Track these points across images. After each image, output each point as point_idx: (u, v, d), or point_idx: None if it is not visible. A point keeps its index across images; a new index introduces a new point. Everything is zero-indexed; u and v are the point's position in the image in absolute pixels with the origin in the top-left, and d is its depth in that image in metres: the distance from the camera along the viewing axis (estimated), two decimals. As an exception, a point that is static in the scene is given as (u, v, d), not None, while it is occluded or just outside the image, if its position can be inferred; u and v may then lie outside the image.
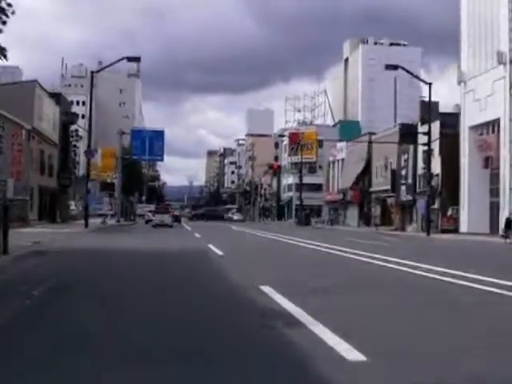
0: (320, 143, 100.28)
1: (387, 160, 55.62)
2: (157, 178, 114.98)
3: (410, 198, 48.19)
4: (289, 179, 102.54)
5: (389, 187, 53.58)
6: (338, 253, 17.75)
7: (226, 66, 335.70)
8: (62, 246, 20.17)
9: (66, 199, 47.22)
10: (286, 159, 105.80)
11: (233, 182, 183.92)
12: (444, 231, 42.26)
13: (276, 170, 69.02)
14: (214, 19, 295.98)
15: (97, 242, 23.20)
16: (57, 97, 47.21)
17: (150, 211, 53.44)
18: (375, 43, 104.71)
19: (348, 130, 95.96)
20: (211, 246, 19.97)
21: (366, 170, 60.91)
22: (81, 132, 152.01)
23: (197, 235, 31.12)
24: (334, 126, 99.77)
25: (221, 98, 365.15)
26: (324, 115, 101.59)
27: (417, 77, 36.98)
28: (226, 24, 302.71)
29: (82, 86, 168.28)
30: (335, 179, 72.47)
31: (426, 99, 50.22)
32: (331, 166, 74.41)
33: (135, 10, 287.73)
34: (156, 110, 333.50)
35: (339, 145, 71.84)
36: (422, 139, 40.21)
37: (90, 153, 34.98)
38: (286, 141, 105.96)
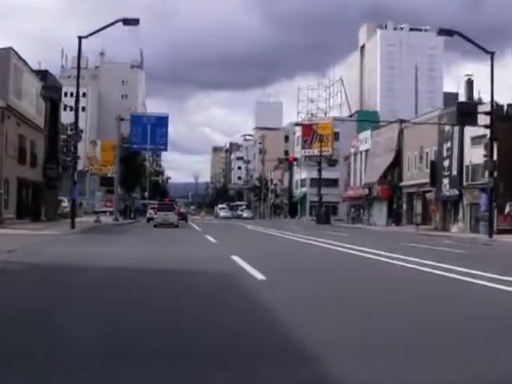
0: (336, 135, 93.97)
1: (423, 150, 48.74)
2: (160, 172, 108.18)
3: (455, 192, 41.29)
4: (302, 174, 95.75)
5: (424, 180, 46.76)
6: (445, 274, 10.91)
7: (229, 62, 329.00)
8: (19, 259, 13.44)
9: (53, 194, 40.40)
10: (298, 153, 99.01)
11: (239, 178, 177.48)
12: (500, 231, 35.43)
13: (292, 163, 62.19)
14: (217, 15, 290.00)
15: (74, 251, 16.42)
16: (42, 74, 40.44)
17: (152, 208, 46.66)
18: (394, 28, 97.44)
19: (367, 119, 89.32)
20: (238, 260, 13.27)
21: (396, 162, 54.01)
22: (81, 125, 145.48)
23: (210, 239, 24.41)
24: (350, 116, 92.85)
25: (225, 95, 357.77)
26: (340, 105, 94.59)
27: (477, 44, 30.14)
28: (230, 20, 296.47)
29: (83, 77, 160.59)
30: (357, 173, 65.56)
31: (472, 78, 43.52)
32: (352, 158, 67.48)
33: (140, 7, 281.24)
34: (160, 106, 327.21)
35: (362, 135, 64.91)
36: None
37: (75, 136, 28.24)
38: (298, 133, 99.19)
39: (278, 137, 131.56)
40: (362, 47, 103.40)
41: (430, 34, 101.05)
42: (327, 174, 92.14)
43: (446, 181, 42.87)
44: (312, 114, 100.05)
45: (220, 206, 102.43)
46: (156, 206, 41.03)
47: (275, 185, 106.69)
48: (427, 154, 47.89)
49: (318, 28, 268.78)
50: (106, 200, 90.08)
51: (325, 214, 60.29)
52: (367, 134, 63.01)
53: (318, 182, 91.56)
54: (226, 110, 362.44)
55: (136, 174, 52.85)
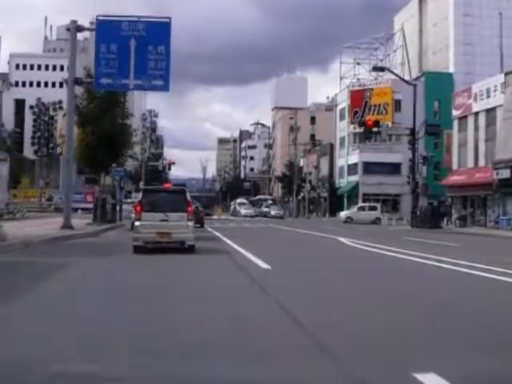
0: (397, 104, 70.07)
1: None
2: (160, 156, 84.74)
3: None
4: (350, 158, 71.92)
5: None
6: None
7: (229, 57, 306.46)
8: None
9: None
10: (343, 130, 75.15)
11: (252, 170, 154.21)
12: None
13: (370, 128, 37.88)
14: (217, 9, 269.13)
15: None
16: None
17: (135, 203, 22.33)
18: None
19: (437, 84, 65.79)
20: None
21: None
22: (65, 105, 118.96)
23: None
24: (415, 79, 68.86)
25: (226, 90, 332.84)
26: (402, 65, 70.96)
27: None
28: (230, 14, 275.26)
29: (70, 49, 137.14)
30: (469, 148, 41.72)
31: None
32: (457, 125, 43.61)
33: (137, 1, 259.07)
34: (159, 102, 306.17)
35: (478, 86, 41.07)
36: None
37: None
38: (343, 104, 75.29)
39: (303, 118, 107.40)
40: (422, -6, 79.51)
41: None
42: (384, 157, 68.63)
43: None
44: (359, 79, 76.00)
45: (239, 200, 78.64)
46: (140, 197, 16.27)
47: (308, 173, 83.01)
48: None
49: (320, 21, 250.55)
50: (85, 193, 66.78)
51: (439, 211, 36.51)
52: (493, 81, 39.26)
53: (378, 167, 68.28)
54: (227, 104, 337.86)
55: (111, 141, 28.59)
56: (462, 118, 42.54)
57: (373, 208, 53.82)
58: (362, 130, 42.81)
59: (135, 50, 24.23)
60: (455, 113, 43.44)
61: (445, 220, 44.51)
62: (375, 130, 38.98)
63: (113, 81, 24.48)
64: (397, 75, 49.86)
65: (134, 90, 28.60)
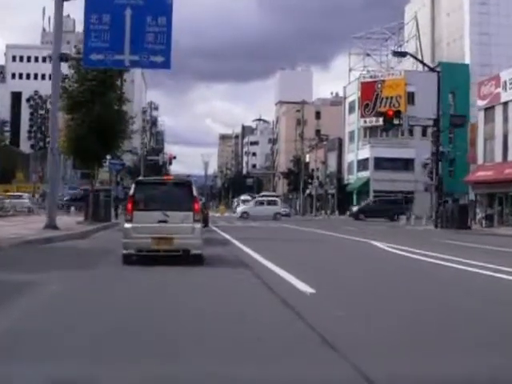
0: (410, 97, 66.64)
1: None
2: (160, 150, 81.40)
3: None
4: (360, 153, 68.50)
5: None
6: None
7: (230, 53, 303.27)
8: None
9: None
10: (352, 124, 71.70)
11: (254, 166, 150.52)
12: None
13: (391, 119, 34.19)
14: (217, 6, 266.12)
15: None
16: None
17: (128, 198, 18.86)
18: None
19: (452, 75, 62.09)
20: None
21: None
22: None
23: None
24: (430, 70, 65.42)
25: (226, 86, 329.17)
26: (416, 52, 67.43)
27: None
28: (230, 10, 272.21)
29: (68, 42, 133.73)
30: (497, 142, 38.29)
31: None
32: (482, 117, 40.18)
33: None
34: (160, 98, 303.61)
35: (509, 73, 37.61)
36: None
37: None
38: (352, 96, 71.82)
39: (308, 113, 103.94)
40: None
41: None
42: (397, 152, 65.27)
43: None
44: (368, 71, 72.57)
45: (242, 197, 74.97)
46: (132, 192, 12.91)
47: (315, 169, 79.57)
48: None
49: (320, 17, 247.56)
50: (80, 188, 63.44)
51: (467, 210, 33.08)
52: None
53: (390, 163, 64.90)
54: (227, 101, 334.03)
55: (104, 129, 25.09)
56: (489, 109, 39.10)
57: (272, 202, 49.91)
58: (381, 121, 39.11)
59: (131, 21, 20.82)
60: (480, 103, 39.99)
61: (479, 219, 41.01)
62: (396, 121, 35.42)
63: (105, 57, 21.00)
64: (419, 61, 46.65)
65: (130, 67, 25.07)
